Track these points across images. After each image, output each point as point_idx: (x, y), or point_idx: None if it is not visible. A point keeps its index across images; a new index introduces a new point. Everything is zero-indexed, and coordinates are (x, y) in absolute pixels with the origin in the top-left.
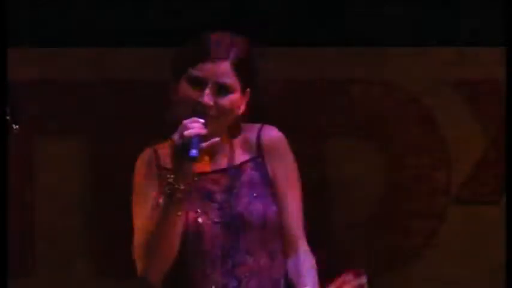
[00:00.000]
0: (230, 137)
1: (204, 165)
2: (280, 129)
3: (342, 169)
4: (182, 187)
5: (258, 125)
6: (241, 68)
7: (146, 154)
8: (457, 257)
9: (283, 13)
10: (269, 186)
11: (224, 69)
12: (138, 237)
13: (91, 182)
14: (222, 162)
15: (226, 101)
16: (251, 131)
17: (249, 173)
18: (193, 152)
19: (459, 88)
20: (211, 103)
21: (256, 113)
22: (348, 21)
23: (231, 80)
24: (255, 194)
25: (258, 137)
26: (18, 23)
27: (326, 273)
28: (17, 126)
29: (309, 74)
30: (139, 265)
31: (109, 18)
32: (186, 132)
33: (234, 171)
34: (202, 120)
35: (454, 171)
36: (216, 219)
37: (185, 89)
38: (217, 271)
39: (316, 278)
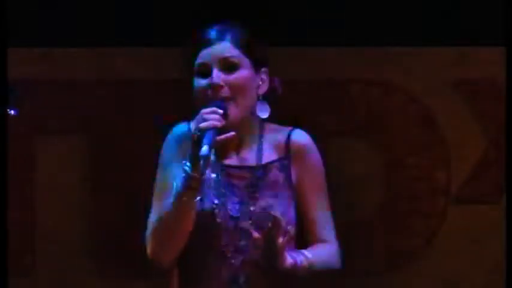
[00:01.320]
0: (257, 129)
1: (231, 145)
2: None
3: (342, 169)
4: (197, 176)
5: (288, 128)
6: (243, 45)
7: (180, 129)
8: (457, 257)
9: (283, 13)
10: (292, 189)
11: (224, 47)
12: (153, 218)
13: (91, 182)
14: (250, 159)
15: (235, 77)
16: (281, 132)
17: (274, 174)
18: (205, 150)
19: (459, 88)
20: (221, 82)
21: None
22: (348, 21)
23: (233, 53)
24: (275, 195)
25: (288, 139)
26: (18, 23)
27: (326, 273)
28: (13, 111)
29: (309, 74)
30: (150, 247)
31: (109, 18)
32: (202, 124)
33: (260, 169)
34: (220, 111)
35: (454, 171)
36: (233, 214)
37: (196, 82)
38: (228, 265)
39: (322, 260)
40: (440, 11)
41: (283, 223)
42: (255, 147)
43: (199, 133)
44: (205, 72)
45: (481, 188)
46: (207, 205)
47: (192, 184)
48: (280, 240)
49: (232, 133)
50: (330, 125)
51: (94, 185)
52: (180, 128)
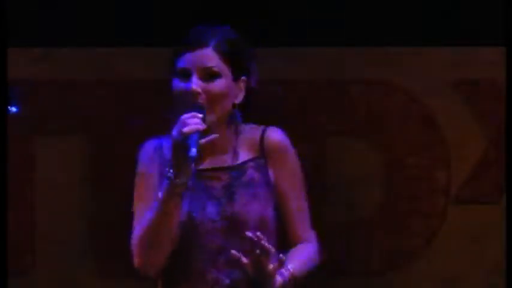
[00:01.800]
0: (232, 132)
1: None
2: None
3: (342, 169)
4: (181, 182)
5: (262, 126)
6: (226, 52)
7: (151, 144)
8: (457, 257)
9: (283, 13)
10: (269, 187)
11: (206, 54)
12: (137, 228)
13: (91, 182)
14: (224, 160)
15: (213, 86)
16: (255, 131)
17: (250, 173)
18: (193, 151)
19: (459, 88)
20: (199, 90)
21: (256, 113)
22: (348, 21)
23: (214, 63)
24: (253, 195)
25: (262, 138)
26: (18, 23)
27: (326, 273)
28: (14, 109)
29: (309, 74)
30: (136, 257)
31: (109, 18)
32: (185, 129)
33: (235, 170)
34: (200, 115)
35: (454, 171)
36: (213, 217)
37: (175, 83)
38: (212, 267)
39: (305, 266)
40: (440, 11)
41: (273, 250)
42: (230, 148)
43: (181, 138)
44: (186, 75)
45: (481, 188)
46: (186, 210)
47: (177, 190)
48: (271, 267)
49: (216, 135)
50: (330, 125)
51: (94, 185)
52: (152, 143)
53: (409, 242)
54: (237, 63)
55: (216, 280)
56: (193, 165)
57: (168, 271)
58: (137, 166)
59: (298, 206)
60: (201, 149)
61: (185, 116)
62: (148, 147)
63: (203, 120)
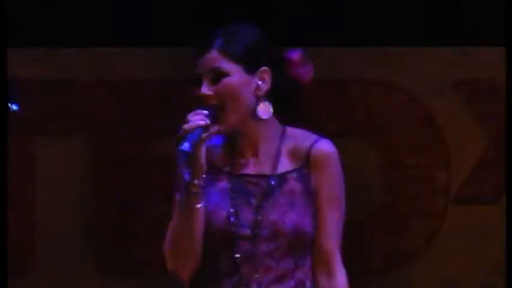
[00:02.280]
0: (274, 136)
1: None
2: None
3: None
4: (196, 182)
5: (314, 137)
6: (231, 51)
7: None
8: (457, 257)
9: (283, 13)
10: (309, 198)
11: (211, 57)
12: (167, 232)
13: (91, 182)
14: (267, 167)
15: (223, 85)
16: (305, 140)
17: (292, 184)
18: (184, 145)
19: (459, 88)
20: (209, 92)
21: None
22: (348, 21)
23: (220, 63)
24: (291, 204)
25: (310, 149)
26: (18, 23)
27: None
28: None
29: None
30: (167, 257)
31: (109, 18)
32: (185, 126)
33: (277, 179)
34: (205, 112)
35: (454, 171)
36: (246, 223)
37: (193, 89)
38: (240, 273)
39: None
40: (440, 11)
41: None
42: (272, 154)
43: (182, 134)
44: (198, 80)
45: (481, 188)
46: (221, 214)
47: (192, 191)
48: None
49: (216, 127)
50: (330, 125)
51: (94, 185)
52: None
53: (409, 242)
54: (246, 57)
55: (245, 285)
56: (185, 159)
57: (197, 275)
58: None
59: (332, 222)
60: (241, 152)
61: (190, 114)
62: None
63: (210, 117)
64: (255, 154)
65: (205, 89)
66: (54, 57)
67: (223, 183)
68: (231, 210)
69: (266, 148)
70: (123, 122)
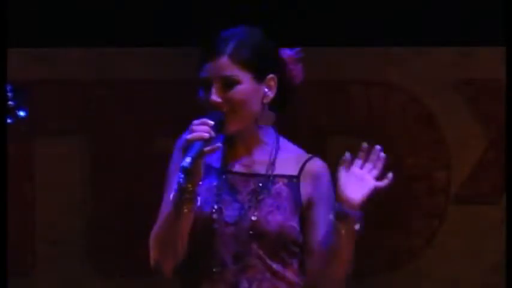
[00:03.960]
0: (272, 140)
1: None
2: (280, 129)
3: None
4: (191, 188)
5: (309, 155)
6: (242, 58)
7: (181, 139)
8: (457, 257)
9: (283, 13)
10: (295, 205)
11: (223, 63)
12: (154, 227)
13: (91, 182)
14: (259, 168)
15: (234, 93)
16: (300, 154)
17: (280, 187)
18: (186, 162)
19: (459, 88)
20: (219, 100)
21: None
22: (348, 21)
23: (232, 71)
24: (277, 206)
25: (306, 161)
26: (18, 23)
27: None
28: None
29: (309, 74)
30: (152, 254)
31: (109, 18)
32: (188, 136)
33: (266, 180)
34: (211, 122)
35: (454, 171)
36: (229, 220)
37: (199, 92)
38: (228, 271)
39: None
40: (440, 11)
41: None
42: (265, 159)
43: (185, 144)
44: (206, 84)
45: (481, 188)
46: (206, 210)
47: (186, 195)
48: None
49: (219, 145)
50: (330, 125)
51: (94, 185)
52: (182, 138)
53: (409, 242)
54: (256, 65)
55: (234, 284)
56: (185, 176)
57: (185, 272)
58: (172, 156)
59: (324, 228)
60: (234, 152)
61: (196, 121)
62: (179, 143)
63: (217, 127)
64: (249, 156)
65: (215, 97)
66: (54, 57)
67: (211, 180)
68: (215, 207)
69: (260, 152)
70: (123, 122)
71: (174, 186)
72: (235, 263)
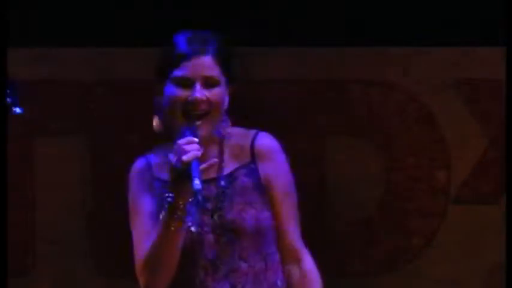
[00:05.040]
0: (218, 139)
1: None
2: (280, 129)
3: (342, 169)
4: (182, 205)
5: (252, 131)
6: (223, 61)
7: (140, 164)
8: (457, 257)
9: (283, 13)
10: (262, 192)
11: (208, 63)
12: (138, 252)
13: (91, 182)
14: (213, 171)
15: (214, 94)
16: (245, 137)
17: (242, 180)
18: (197, 184)
19: (459, 88)
20: (204, 98)
21: (257, 113)
22: (348, 21)
23: (215, 72)
24: (246, 202)
25: (252, 143)
26: (18, 23)
27: (326, 274)
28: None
29: (309, 74)
30: (142, 280)
31: (109, 18)
32: (185, 158)
33: (226, 179)
34: (196, 140)
35: (454, 171)
36: (206, 229)
37: (173, 90)
38: (211, 278)
39: None
40: (440, 11)
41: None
42: (218, 157)
43: (181, 166)
44: (185, 84)
45: (481, 188)
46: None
47: (178, 213)
48: None
49: (215, 159)
50: (330, 125)
51: (94, 185)
52: (140, 163)
53: (409, 242)
54: (230, 71)
55: None
56: (199, 196)
57: (171, 284)
58: (129, 191)
59: (289, 212)
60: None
61: (181, 141)
62: (137, 169)
63: (200, 145)
64: (207, 160)
65: (201, 95)
66: (54, 57)
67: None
68: (189, 221)
69: (211, 154)
70: (123, 122)
71: (151, 205)
72: (217, 269)
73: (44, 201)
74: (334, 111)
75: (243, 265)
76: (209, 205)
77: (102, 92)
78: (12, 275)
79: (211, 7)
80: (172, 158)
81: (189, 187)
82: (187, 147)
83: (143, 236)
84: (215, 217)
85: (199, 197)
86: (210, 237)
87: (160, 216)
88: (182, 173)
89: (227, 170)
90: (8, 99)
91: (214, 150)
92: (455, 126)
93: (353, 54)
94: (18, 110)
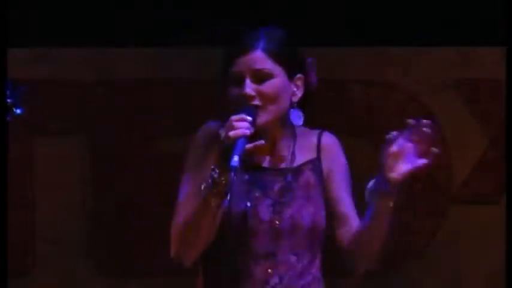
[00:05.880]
0: (290, 133)
1: (262, 151)
2: None
3: None
4: (224, 182)
5: (317, 130)
6: (275, 52)
7: (209, 127)
8: (457, 257)
9: (283, 13)
10: (322, 189)
11: (257, 57)
12: (178, 216)
13: (91, 182)
14: (282, 161)
15: (267, 87)
16: (311, 135)
17: (307, 175)
18: (235, 161)
19: (459, 88)
20: (253, 93)
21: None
22: (348, 21)
23: (266, 65)
24: (308, 198)
25: (319, 140)
26: (18, 23)
27: (326, 274)
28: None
29: None
30: (173, 247)
31: (109, 18)
32: (231, 133)
33: (293, 172)
34: (249, 118)
35: (454, 171)
36: (264, 218)
37: (230, 89)
38: (259, 267)
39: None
40: (440, 11)
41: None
42: (288, 150)
43: (228, 141)
44: (239, 80)
45: (481, 188)
46: (239, 208)
47: (219, 190)
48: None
49: (262, 141)
50: (330, 125)
51: (94, 185)
52: (210, 126)
53: (410, 241)
54: (288, 62)
55: (265, 280)
56: (233, 174)
57: (215, 270)
58: (190, 149)
59: (350, 204)
60: (260, 149)
61: (234, 117)
62: (205, 131)
63: (253, 123)
64: (275, 152)
65: (250, 89)
66: (54, 57)
67: (242, 175)
68: (248, 205)
69: (282, 146)
70: (123, 122)
71: (200, 178)
72: (266, 259)
73: (44, 201)
74: (334, 111)
75: (292, 258)
76: (272, 195)
77: (102, 92)
78: (12, 275)
79: (211, 7)
80: (221, 132)
81: (229, 171)
82: (237, 124)
83: (189, 198)
84: (276, 210)
85: (233, 175)
86: (267, 227)
87: (202, 187)
88: (227, 151)
89: (295, 163)
90: (8, 100)
91: (284, 143)
92: (455, 126)
93: (353, 54)
94: (18, 111)
